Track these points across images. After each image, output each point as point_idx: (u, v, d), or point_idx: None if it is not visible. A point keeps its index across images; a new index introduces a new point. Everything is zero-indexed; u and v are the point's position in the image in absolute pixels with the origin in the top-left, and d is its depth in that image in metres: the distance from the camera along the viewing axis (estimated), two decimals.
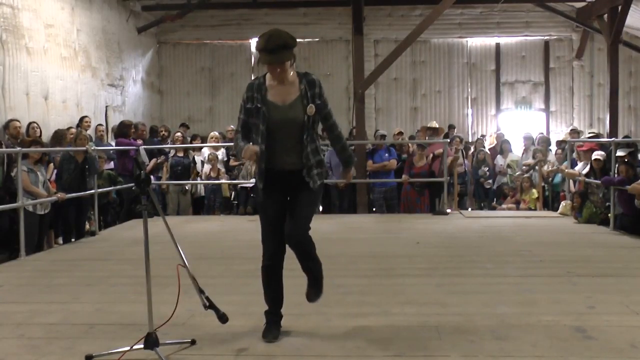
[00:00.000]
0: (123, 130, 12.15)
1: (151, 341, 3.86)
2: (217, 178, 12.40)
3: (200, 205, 12.76)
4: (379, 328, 4.37)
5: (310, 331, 4.45)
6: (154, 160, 12.34)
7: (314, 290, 4.41)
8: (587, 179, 10.19)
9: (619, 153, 9.51)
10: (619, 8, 13.33)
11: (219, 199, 12.58)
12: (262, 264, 4.32)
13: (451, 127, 15.65)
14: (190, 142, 13.38)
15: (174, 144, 12.90)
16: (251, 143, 4.25)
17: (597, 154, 10.02)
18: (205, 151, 12.82)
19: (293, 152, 4.22)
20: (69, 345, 4.24)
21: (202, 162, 12.71)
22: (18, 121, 9.89)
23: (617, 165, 9.26)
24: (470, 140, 15.96)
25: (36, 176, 8.51)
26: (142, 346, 3.88)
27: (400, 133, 13.61)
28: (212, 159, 12.41)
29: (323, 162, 4.35)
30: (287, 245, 4.27)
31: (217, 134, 13.45)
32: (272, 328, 4.33)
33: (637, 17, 14.05)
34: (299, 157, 4.21)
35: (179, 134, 13.15)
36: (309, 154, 4.20)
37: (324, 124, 4.38)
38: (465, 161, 13.32)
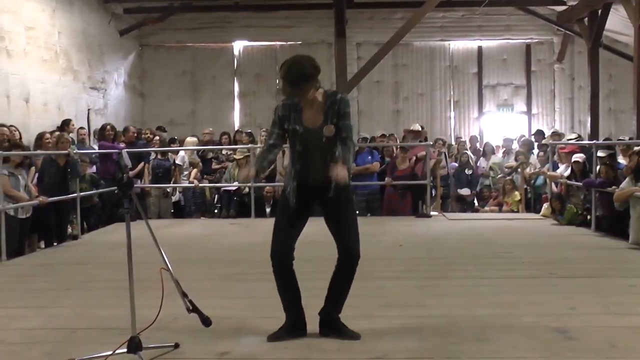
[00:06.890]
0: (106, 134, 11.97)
1: (134, 345, 3.85)
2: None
3: (181, 209, 12.67)
4: (360, 331, 4.37)
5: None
6: (142, 164, 12.11)
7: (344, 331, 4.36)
8: (568, 181, 10.27)
9: (600, 154, 9.61)
10: (599, 12, 13.50)
11: (199, 201, 12.52)
12: (272, 264, 4.31)
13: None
14: (169, 145, 13.25)
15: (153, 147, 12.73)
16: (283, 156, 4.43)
17: (577, 157, 10.10)
18: (183, 155, 12.68)
19: (322, 168, 4.28)
20: (50, 350, 4.21)
21: (176, 166, 12.55)
22: (5, 126, 9.66)
23: (598, 167, 9.34)
24: (452, 144, 15.98)
25: (17, 180, 8.43)
26: (125, 350, 3.87)
27: (383, 136, 13.64)
28: (195, 164, 12.32)
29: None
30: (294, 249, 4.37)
31: (195, 139, 13.42)
32: (280, 330, 4.36)
33: (617, 21, 14.19)
34: (326, 172, 4.25)
35: (157, 137, 12.99)
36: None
37: (339, 139, 4.32)
38: (448, 163, 13.36)
